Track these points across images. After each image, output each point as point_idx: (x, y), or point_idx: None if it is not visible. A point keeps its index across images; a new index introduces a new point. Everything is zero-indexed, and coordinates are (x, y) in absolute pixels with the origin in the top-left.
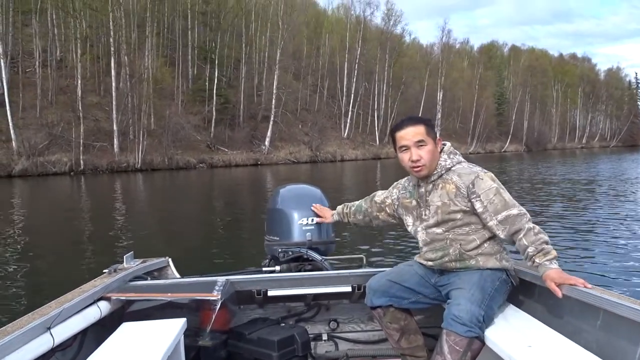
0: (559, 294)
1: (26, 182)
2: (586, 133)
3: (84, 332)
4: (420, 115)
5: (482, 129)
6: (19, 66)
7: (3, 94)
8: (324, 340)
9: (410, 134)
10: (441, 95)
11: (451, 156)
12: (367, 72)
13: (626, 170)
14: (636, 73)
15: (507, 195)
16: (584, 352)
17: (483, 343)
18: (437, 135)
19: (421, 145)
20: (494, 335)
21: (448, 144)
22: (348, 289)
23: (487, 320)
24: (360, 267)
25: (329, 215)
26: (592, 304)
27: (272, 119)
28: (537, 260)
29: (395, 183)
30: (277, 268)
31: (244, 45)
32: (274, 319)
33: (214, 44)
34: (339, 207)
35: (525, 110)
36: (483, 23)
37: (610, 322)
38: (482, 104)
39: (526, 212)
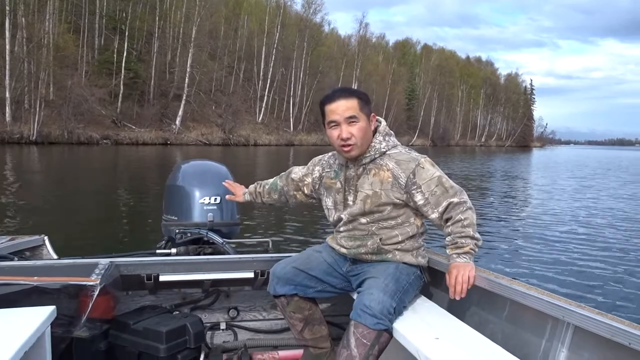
0: (451, 288)
1: None
2: (485, 132)
3: None
4: None
5: (393, 123)
6: None
7: None
8: (222, 330)
9: (341, 107)
10: (356, 87)
11: (387, 138)
12: (284, 57)
13: (526, 168)
14: (531, 80)
15: (449, 183)
16: (489, 343)
17: (391, 336)
18: (371, 111)
19: (353, 122)
20: (402, 327)
21: (383, 122)
22: (250, 275)
23: (397, 313)
24: (265, 252)
25: (240, 193)
26: (500, 294)
27: (184, 97)
28: (448, 250)
29: (314, 159)
30: (173, 251)
31: (157, 18)
32: (166, 307)
33: (124, 14)
34: (252, 186)
35: (433, 107)
36: (397, 20)
37: (516, 313)
38: (393, 98)
39: (466, 198)
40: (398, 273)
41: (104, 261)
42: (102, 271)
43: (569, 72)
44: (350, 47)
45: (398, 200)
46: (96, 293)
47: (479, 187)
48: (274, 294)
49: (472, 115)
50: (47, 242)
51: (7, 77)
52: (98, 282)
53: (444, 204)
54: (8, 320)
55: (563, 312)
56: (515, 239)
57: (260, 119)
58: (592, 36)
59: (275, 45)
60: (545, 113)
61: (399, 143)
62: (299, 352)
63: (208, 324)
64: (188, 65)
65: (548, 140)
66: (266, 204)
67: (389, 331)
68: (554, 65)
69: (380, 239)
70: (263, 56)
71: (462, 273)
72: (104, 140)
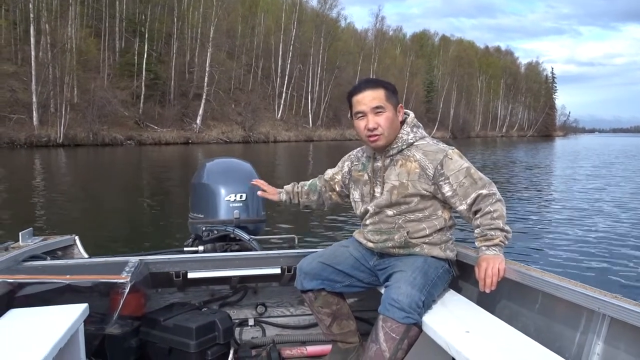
0: (481, 281)
1: None
2: (506, 122)
3: None
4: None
5: None
6: None
7: None
8: (251, 326)
9: (367, 98)
10: None
11: (414, 129)
12: (301, 54)
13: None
14: (552, 68)
15: (477, 175)
16: (521, 336)
17: (420, 330)
18: (398, 102)
19: (379, 112)
20: (431, 321)
21: (411, 114)
22: (277, 270)
23: (426, 306)
24: (291, 247)
25: (275, 192)
26: (532, 286)
27: (204, 97)
28: (477, 243)
29: (345, 156)
30: (201, 248)
31: (175, 19)
32: (195, 304)
33: (143, 17)
34: (288, 186)
35: (452, 98)
36: (413, 12)
37: (549, 305)
38: (412, 91)
39: (496, 190)
40: (426, 267)
41: (133, 259)
42: (132, 269)
43: (591, 59)
44: (367, 41)
45: (425, 192)
46: (127, 291)
47: (501, 178)
48: (302, 289)
49: (493, 105)
50: (77, 242)
51: (33, 82)
52: (128, 279)
53: (473, 195)
54: (43, 317)
55: (598, 304)
56: (544, 230)
57: (279, 115)
58: (613, 22)
59: (292, 42)
60: (568, 101)
61: (426, 135)
62: (327, 347)
63: (236, 320)
64: (207, 65)
65: (571, 129)
66: (302, 205)
67: (418, 325)
68: (575, 52)
69: (408, 233)
70: (280, 53)
71: (491, 265)
72: (128, 141)
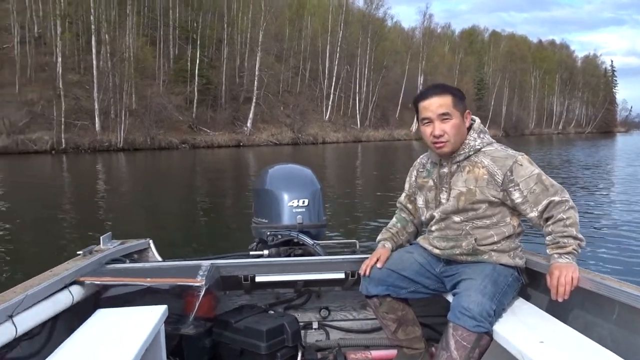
0: (553, 289)
1: (6, 160)
2: (563, 119)
3: (54, 320)
4: (401, 98)
5: None
6: None
7: None
8: (315, 329)
9: (434, 105)
10: (422, 80)
11: (481, 135)
12: (348, 55)
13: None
14: (612, 60)
15: (549, 181)
16: (598, 348)
17: (491, 338)
18: (466, 108)
19: (446, 119)
20: (503, 330)
21: (477, 120)
22: (341, 275)
23: (496, 315)
24: (353, 252)
25: (385, 251)
26: (608, 296)
27: (254, 100)
28: (548, 250)
29: (410, 169)
30: (266, 252)
31: (225, 25)
32: (262, 307)
33: (195, 24)
34: (384, 236)
35: (504, 95)
36: (461, 9)
37: (626, 316)
38: (462, 88)
39: (568, 197)
40: (495, 274)
41: (205, 263)
42: (205, 272)
43: None
44: (414, 39)
45: (494, 198)
46: (202, 293)
47: (558, 179)
48: (367, 294)
49: (547, 102)
50: (151, 245)
51: (95, 90)
52: (203, 283)
53: (544, 202)
54: (128, 318)
55: None
56: (613, 236)
57: (327, 117)
58: None
59: (339, 43)
60: (630, 95)
61: (494, 140)
62: (391, 352)
63: (301, 323)
64: (256, 69)
65: (634, 125)
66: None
67: (490, 334)
68: (636, 43)
69: (476, 240)
70: (327, 55)
71: (564, 274)
72: (183, 145)
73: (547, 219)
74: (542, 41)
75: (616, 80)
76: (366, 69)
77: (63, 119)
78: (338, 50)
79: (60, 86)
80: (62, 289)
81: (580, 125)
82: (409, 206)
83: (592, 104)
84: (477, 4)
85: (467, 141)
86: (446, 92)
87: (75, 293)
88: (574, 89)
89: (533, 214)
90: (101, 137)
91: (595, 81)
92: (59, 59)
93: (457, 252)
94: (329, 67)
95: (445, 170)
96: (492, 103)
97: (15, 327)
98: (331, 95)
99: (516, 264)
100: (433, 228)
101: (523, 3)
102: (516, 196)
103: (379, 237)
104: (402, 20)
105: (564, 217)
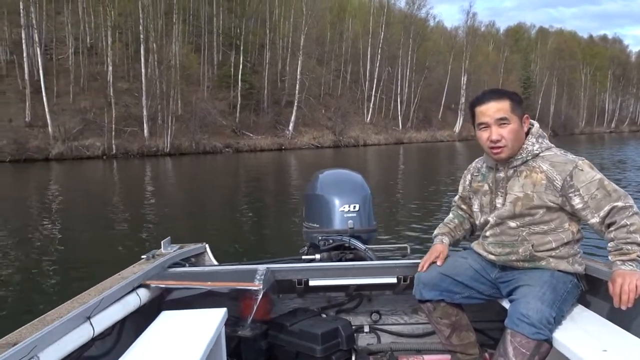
0: (616, 297)
1: (62, 166)
2: (615, 117)
3: (123, 321)
4: (443, 98)
5: None
6: (52, 53)
7: (39, 80)
8: (366, 333)
9: (491, 109)
10: (465, 80)
11: (539, 140)
12: (390, 56)
13: None
14: None
15: (611, 187)
16: None
17: (551, 346)
18: (524, 112)
19: (503, 124)
20: (564, 338)
21: (536, 124)
22: (393, 280)
23: (556, 322)
24: (404, 256)
25: (443, 247)
26: None
27: (295, 104)
28: (611, 257)
29: (465, 172)
30: (317, 256)
31: (267, 31)
32: (315, 310)
33: (238, 30)
34: (441, 230)
35: (552, 94)
36: (506, 6)
37: None
38: (507, 87)
39: (632, 203)
40: (554, 281)
41: (261, 267)
42: (262, 276)
43: None
44: (457, 39)
45: (552, 204)
46: (259, 297)
47: (616, 180)
48: (420, 298)
49: (599, 99)
50: (207, 249)
51: (143, 97)
52: (261, 286)
53: (607, 208)
54: (192, 320)
55: None
56: None
57: (368, 119)
58: None
59: (380, 45)
60: None
61: (552, 145)
62: (444, 357)
63: (353, 327)
64: (298, 73)
65: None
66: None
67: (549, 341)
68: None
69: (533, 246)
70: (369, 57)
71: (628, 281)
72: (226, 149)
73: (610, 225)
74: (592, 36)
75: None
76: (408, 70)
77: (113, 126)
78: (379, 51)
79: (111, 94)
80: (130, 292)
81: (634, 124)
82: (464, 207)
83: None
84: (523, 0)
85: (524, 146)
86: (504, 96)
87: (142, 295)
88: (627, 85)
89: (595, 220)
90: (149, 143)
91: None
92: (110, 68)
93: (514, 258)
94: (370, 69)
95: (502, 174)
96: (540, 102)
97: (93, 327)
98: (372, 97)
99: (575, 271)
100: (488, 233)
101: None
102: (577, 202)
103: (435, 232)
104: (445, 20)
105: (628, 223)
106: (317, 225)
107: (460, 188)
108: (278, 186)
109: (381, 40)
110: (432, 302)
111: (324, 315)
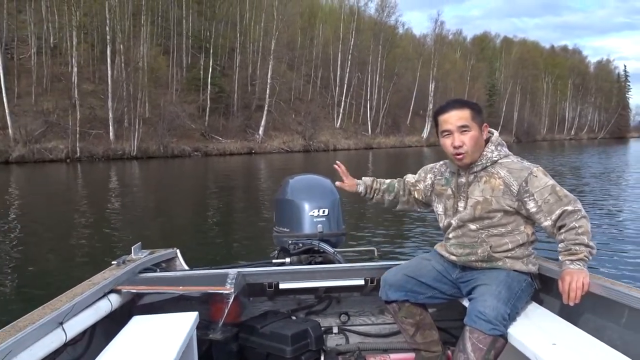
0: (565, 294)
1: (23, 169)
2: (575, 125)
3: (93, 326)
4: (412, 105)
5: None
6: (13, 53)
7: None
8: (335, 334)
9: (454, 117)
10: (433, 86)
11: (498, 147)
12: (360, 62)
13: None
14: (625, 65)
15: (562, 192)
16: (609, 350)
17: (506, 341)
18: (483, 121)
19: (465, 131)
20: (517, 333)
21: (495, 133)
22: (361, 282)
23: (511, 319)
24: (371, 259)
25: (353, 184)
26: (618, 300)
27: (265, 108)
28: (561, 257)
29: (425, 167)
30: (288, 260)
31: (238, 34)
32: (285, 312)
33: (208, 33)
34: (368, 179)
35: (516, 101)
36: (473, 14)
37: (636, 319)
38: (473, 95)
39: (581, 207)
40: (510, 280)
41: (232, 271)
42: (233, 280)
43: None
44: (426, 46)
45: (509, 208)
46: (230, 300)
47: (568, 185)
48: (386, 299)
49: (560, 107)
50: (178, 254)
51: (109, 100)
52: (232, 290)
53: (558, 212)
54: (163, 324)
55: None
56: (625, 244)
57: (338, 124)
58: None
59: (350, 51)
60: None
61: (510, 153)
62: (409, 355)
63: (322, 328)
64: (268, 77)
65: None
66: (375, 201)
67: (504, 337)
68: None
69: (491, 247)
70: (339, 62)
71: (576, 279)
72: (195, 152)
73: (560, 228)
74: (554, 47)
75: (629, 86)
76: (377, 76)
77: (78, 128)
78: (349, 57)
79: (76, 96)
80: (102, 297)
81: (592, 131)
82: (408, 187)
83: (604, 109)
84: (489, 10)
85: (484, 153)
86: (465, 106)
87: (114, 301)
88: (586, 95)
89: (547, 223)
90: (115, 146)
91: (608, 86)
92: (75, 69)
93: (473, 258)
94: (341, 74)
95: (463, 179)
96: (504, 109)
97: (65, 333)
98: (342, 103)
99: (529, 270)
100: (450, 235)
101: (535, 8)
102: (531, 206)
103: (366, 178)
104: (414, 27)
105: (577, 225)
106: (287, 230)
107: (417, 177)
108: (248, 190)
109: (351, 46)
110: (397, 302)
111: (294, 318)
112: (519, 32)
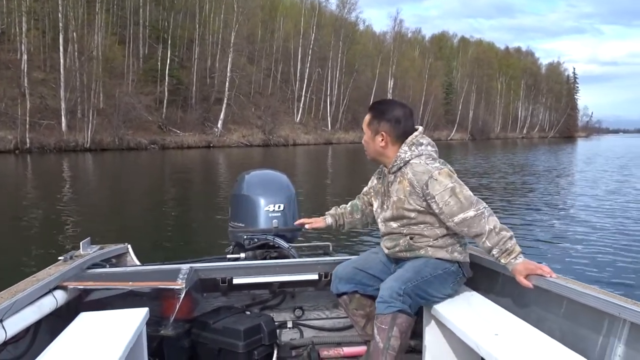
0: (530, 286)
1: None
2: (527, 124)
3: (37, 324)
4: (371, 101)
5: (430, 118)
6: None
7: None
8: (289, 328)
9: (366, 119)
10: (392, 84)
11: (412, 148)
12: (320, 57)
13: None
14: (574, 68)
15: (462, 195)
16: (547, 339)
17: (410, 316)
18: (387, 127)
19: (365, 133)
20: (460, 323)
21: (418, 130)
22: (315, 277)
23: (413, 297)
24: (326, 254)
25: (321, 220)
26: (557, 292)
27: (225, 101)
28: (502, 260)
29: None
30: (242, 255)
31: (197, 26)
32: (239, 308)
33: (166, 23)
34: (331, 210)
35: (471, 100)
36: (431, 14)
37: (573, 311)
38: (431, 93)
39: (484, 208)
40: (422, 266)
41: (184, 267)
42: (185, 276)
43: (614, 58)
44: (385, 43)
45: (420, 207)
46: (182, 296)
47: (518, 182)
48: (337, 292)
49: (513, 107)
50: (130, 250)
51: (62, 89)
52: (183, 285)
53: (460, 216)
54: (111, 321)
55: (619, 310)
56: (563, 237)
57: (298, 119)
58: (636, 20)
59: (311, 46)
60: (591, 102)
61: (424, 153)
62: (362, 348)
63: (277, 323)
64: (228, 70)
65: (594, 130)
66: (348, 225)
67: (404, 311)
68: (597, 51)
69: (412, 238)
70: (299, 57)
71: (531, 268)
72: (152, 145)
73: (477, 237)
74: (508, 48)
75: (578, 87)
76: (337, 72)
77: (28, 118)
78: (310, 52)
79: (25, 84)
80: (46, 293)
81: (543, 130)
82: (365, 199)
83: (555, 109)
84: (447, 10)
85: (398, 153)
86: (369, 110)
87: (59, 297)
88: (538, 95)
89: (451, 224)
90: (67, 137)
91: (558, 87)
92: (24, 57)
93: (397, 249)
94: (301, 69)
95: (387, 179)
96: (460, 107)
97: (5, 331)
98: (302, 98)
99: (454, 258)
100: (382, 231)
101: (490, 10)
102: (434, 207)
103: (330, 210)
104: (374, 24)
105: (491, 227)
106: (243, 225)
107: (369, 183)
108: (205, 185)
109: (312, 41)
110: (348, 294)
111: (247, 313)
112: (475, 33)
